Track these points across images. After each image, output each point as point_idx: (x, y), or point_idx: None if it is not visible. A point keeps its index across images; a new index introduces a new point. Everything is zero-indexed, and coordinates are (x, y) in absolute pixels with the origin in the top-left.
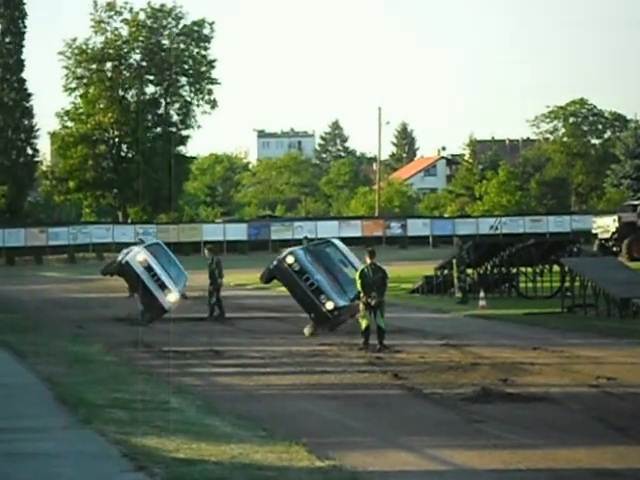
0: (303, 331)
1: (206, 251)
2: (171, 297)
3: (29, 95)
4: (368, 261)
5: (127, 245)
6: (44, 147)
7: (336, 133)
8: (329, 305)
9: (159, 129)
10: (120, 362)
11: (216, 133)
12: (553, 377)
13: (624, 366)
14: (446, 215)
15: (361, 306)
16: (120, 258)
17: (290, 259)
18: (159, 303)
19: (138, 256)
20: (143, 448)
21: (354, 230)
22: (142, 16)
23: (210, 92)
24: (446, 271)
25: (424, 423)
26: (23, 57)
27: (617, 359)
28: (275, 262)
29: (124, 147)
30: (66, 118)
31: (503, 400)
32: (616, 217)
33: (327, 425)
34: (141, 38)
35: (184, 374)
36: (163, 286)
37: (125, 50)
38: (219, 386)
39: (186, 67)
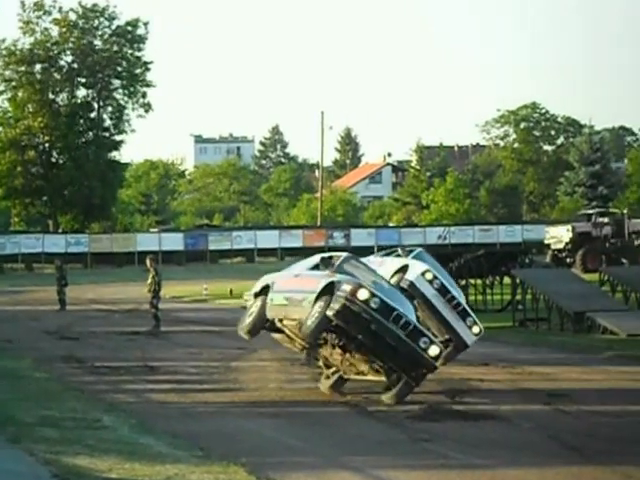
0: (382, 398)
1: (148, 261)
2: (476, 328)
3: None
4: None
5: (61, 255)
6: None
7: (276, 138)
8: (433, 351)
9: (91, 134)
10: (50, 378)
11: (151, 138)
12: (503, 394)
13: (578, 382)
14: (392, 224)
15: None
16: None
17: (364, 294)
18: (460, 337)
19: (425, 272)
20: (74, 468)
21: (295, 240)
22: (73, 16)
23: (144, 95)
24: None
25: (368, 442)
26: None
27: (571, 375)
28: (337, 302)
29: (54, 153)
30: None
31: (451, 418)
32: (570, 227)
33: (267, 444)
34: (72, 39)
35: (117, 391)
36: (464, 314)
37: (55, 51)
38: (154, 403)
39: (119, 69)
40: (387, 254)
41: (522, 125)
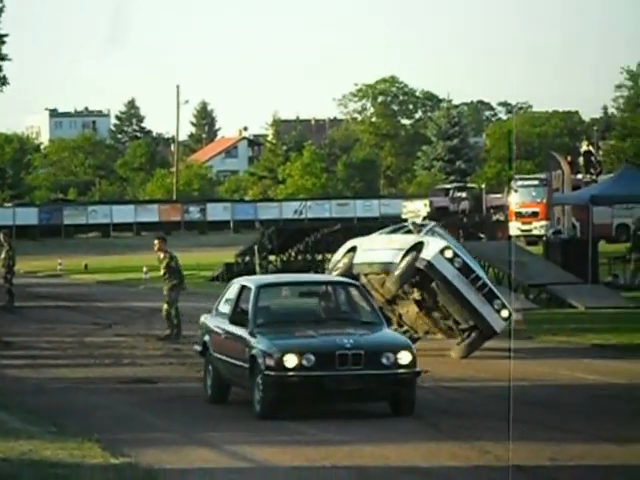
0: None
1: (1, 236)
2: (504, 312)
3: None
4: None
5: None
6: None
7: (132, 113)
8: (504, 313)
9: None
10: None
11: (5, 112)
12: None
13: (436, 359)
14: (248, 199)
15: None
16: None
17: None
18: (488, 323)
19: (445, 250)
20: None
21: (151, 215)
22: None
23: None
24: (248, 258)
25: (224, 418)
26: None
27: (429, 352)
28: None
29: None
30: None
31: None
32: (427, 201)
33: (122, 420)
34: None
35: None
36: (491, 296)
37: None
38: (8, 379)
39: None
40: (394, 230)
41: (380, 99)
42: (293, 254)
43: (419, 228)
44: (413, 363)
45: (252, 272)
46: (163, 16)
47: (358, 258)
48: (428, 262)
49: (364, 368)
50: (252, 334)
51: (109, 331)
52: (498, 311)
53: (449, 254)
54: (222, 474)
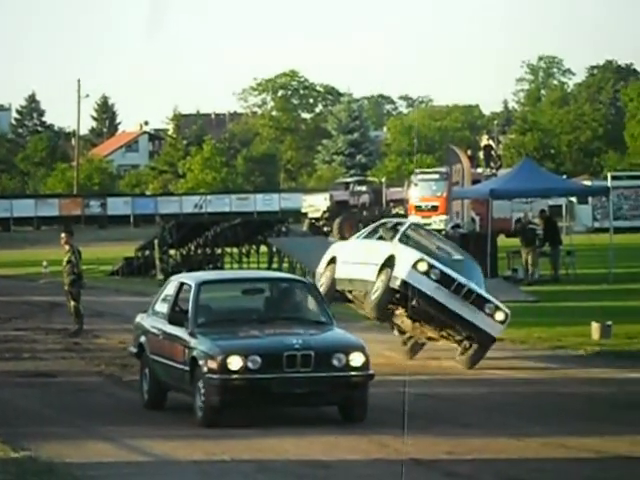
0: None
1: None
2: (499, 315)
3: None
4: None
5: None
6: None
7: (33, 107)
8: (499, 316)
9: None
10: None
11: None
12: None
13: None
14: (148, 193)
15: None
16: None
17: (424, 265)
18: (483, 331)
19: (417, 263)
20: None
21: (51, 209)
22: None
23: None
24: (147, 252)
25: (124, 412)
26: None
27: None
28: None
29: None
30: None
31: None
32: (327, 195)
33: (22, 414)
34: None
35: None
36: (482, 301)
37: None
38: None
39: None
40: (370, 234)
41: (280, 93)
42: (193, 248)
43: (392, 232)
44: (366, 365)
45: (152, 266)
46: (63, 10)
47: (339, 273)
48: (402, 281)
49: (314, 370)
50: (192, 335)
51: (8, 325)
52: (492, 315)
53: (423, 267)
54: (121, 468)
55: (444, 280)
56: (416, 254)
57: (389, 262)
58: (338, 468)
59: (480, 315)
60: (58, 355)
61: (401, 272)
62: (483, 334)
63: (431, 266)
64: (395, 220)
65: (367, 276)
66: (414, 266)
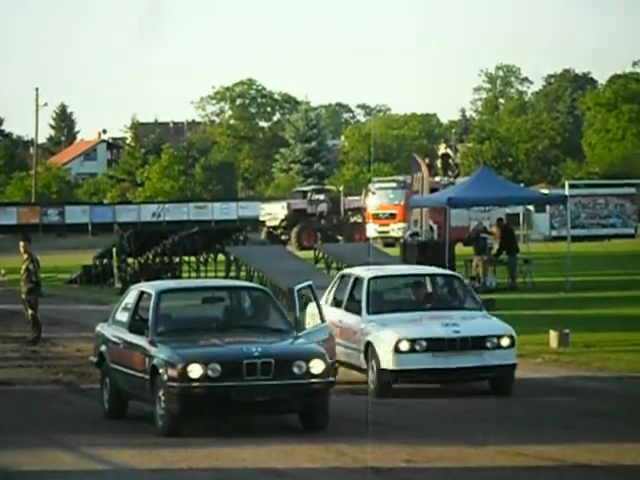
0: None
1: None
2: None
3: None
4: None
5: None
6: None
7: None
8: (505, 342)
9: None
10: None
11: None
12: None
13: None
14: (106, 201)
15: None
16: None
17: (405, 345)
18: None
19: None
20: None
21: (9, 217)
22: None
23: None
24: (106, 260)
25: (83, 421)
26: None
27: None
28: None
29: None
30: None
31: None
32: (285, 204)
33: None
34: None
35: None
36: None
37: None
38: None
39: None
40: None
41: (238, 102)
42: (151, 257)
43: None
44: (326, 372)
45: (110, 274)
46: (20, 17)
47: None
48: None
49: (274, 378)
50: (153, 343)
51: None
52: (497, 346)
53: (405, 346)
54: (79, 476)
55: (433, 345)
56: (393, 334)
57: (370, 349)
58: (296, 476)
59: (487, 354)
60: (16, 363)
61: (387, 362)
62: (500, 367)
63: (413, 340)
64: (355, 272)
65: (358, 362)
66: (396, 350)
